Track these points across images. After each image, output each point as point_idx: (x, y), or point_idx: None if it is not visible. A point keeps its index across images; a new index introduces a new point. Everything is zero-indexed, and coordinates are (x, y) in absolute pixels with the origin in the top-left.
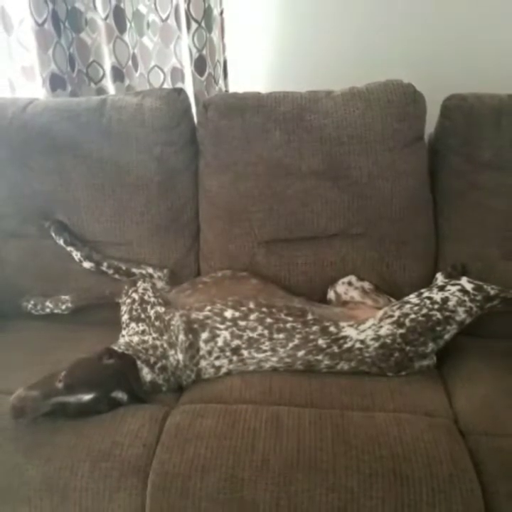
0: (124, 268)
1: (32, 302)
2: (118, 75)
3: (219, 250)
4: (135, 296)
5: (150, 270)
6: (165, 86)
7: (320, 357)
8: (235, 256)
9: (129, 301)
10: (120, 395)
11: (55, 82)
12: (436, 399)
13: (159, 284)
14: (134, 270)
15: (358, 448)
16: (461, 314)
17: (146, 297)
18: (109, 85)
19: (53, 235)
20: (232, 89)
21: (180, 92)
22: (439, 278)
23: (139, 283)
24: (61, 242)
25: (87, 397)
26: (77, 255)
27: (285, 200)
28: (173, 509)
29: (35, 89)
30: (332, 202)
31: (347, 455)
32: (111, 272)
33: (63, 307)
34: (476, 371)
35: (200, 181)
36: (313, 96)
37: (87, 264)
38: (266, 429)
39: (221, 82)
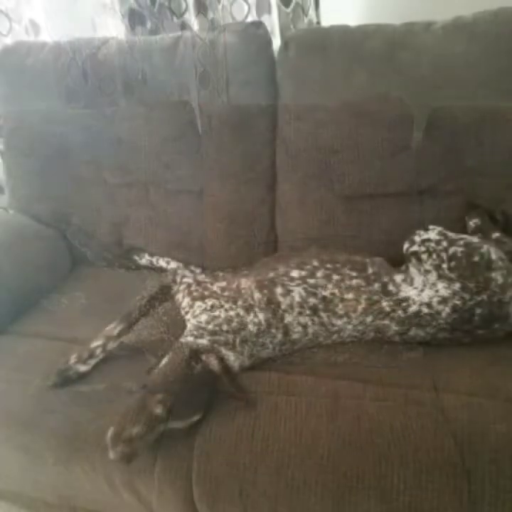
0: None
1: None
2: (201, 7)
3: (295, 204)
4: (188, 280)
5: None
6: (249, 19)
7: (387, 322)
8: (312, 211)
9: (183, 286)
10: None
11: (135, 19)
12: None
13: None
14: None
15: None
16: None
17: (200, 278)
18: (192, 19)
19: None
20: (324, 21)
21: (259, 25)
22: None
23: (179, 271)
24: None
25: (196, 417)
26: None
27: (369, 152)
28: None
29: (116, 27)
30: (422, 155)
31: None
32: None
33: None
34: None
35: (277, 127)
36: (409, 29)
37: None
38: (321, 405)
39: (311, 12)
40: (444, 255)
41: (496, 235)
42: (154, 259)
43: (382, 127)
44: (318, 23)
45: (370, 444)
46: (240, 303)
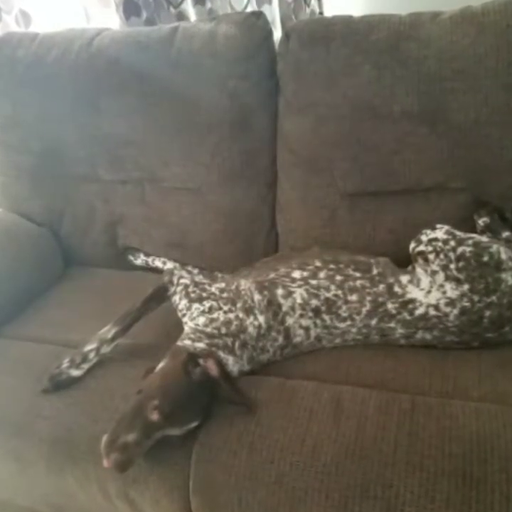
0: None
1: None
2: None
3: (296, 202)
4: (185, 281)
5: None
6: (249, 9)
7: (393, 324)
8: (314, 209)
9: (180, 288)
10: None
11: (129, 9)
12: None
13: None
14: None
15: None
16: None
17: (197, 279)
18: (190, 9)
19: None
20: (327, 11)
21: (260, 16)
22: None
23: (176, 272)
24: None
25: (194, 424)
26: None
27: (373, 148)
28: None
29: (110, 17)
30: (428, 150)
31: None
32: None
33: None
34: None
35: (278, 123)
36: (415, 20)
37: None
38: (324, 411)
39: (314, 2)
40: (451, 255)
41: (505, 234)
42: (150, 260)
43: (386, 122)
44: (321, 13)
45: (375, 452)
46: (239, 305)
